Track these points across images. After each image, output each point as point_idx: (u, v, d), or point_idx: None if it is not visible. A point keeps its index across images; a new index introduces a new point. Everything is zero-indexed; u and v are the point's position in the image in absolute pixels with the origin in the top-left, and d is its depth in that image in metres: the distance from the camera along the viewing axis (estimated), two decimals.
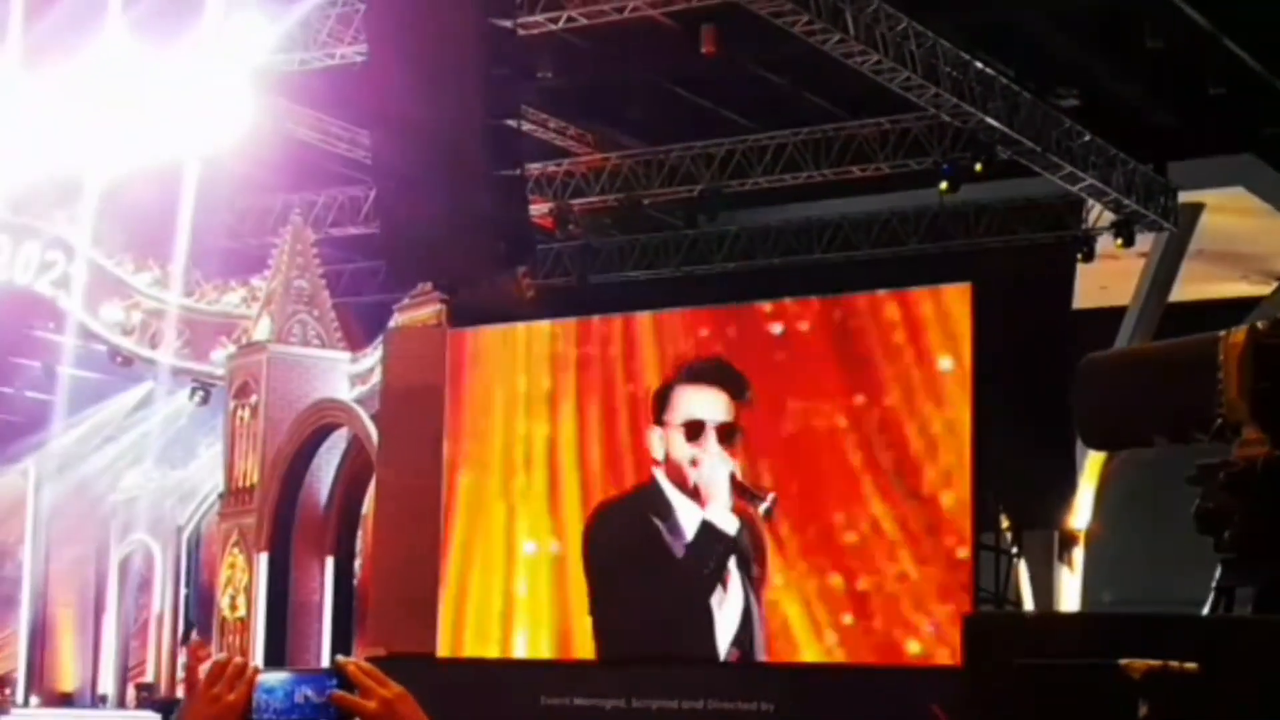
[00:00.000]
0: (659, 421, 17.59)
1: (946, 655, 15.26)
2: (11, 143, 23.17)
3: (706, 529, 17.31)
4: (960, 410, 16.39)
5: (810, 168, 22.34)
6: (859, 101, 21.08)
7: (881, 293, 17.19)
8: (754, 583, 17.16)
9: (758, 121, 22.62)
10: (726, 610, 17.30)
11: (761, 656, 17.15)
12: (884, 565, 16.53)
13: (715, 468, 17.27)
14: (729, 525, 17.31)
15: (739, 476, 17.15)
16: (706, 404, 17.49)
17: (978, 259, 21.81)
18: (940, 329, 16.68)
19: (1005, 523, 17.66)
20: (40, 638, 29.66)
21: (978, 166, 20.74)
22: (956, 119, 19.94)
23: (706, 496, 17.32)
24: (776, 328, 17.34)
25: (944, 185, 21.25)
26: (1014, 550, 18.22)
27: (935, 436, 16.44)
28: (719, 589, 17.27)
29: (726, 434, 17.31)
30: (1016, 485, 17.54)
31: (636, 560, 17.91)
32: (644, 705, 17.33)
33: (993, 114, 19.73)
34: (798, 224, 24.32)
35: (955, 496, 16.23)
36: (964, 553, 16.17)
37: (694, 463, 17.40)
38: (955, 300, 16.69)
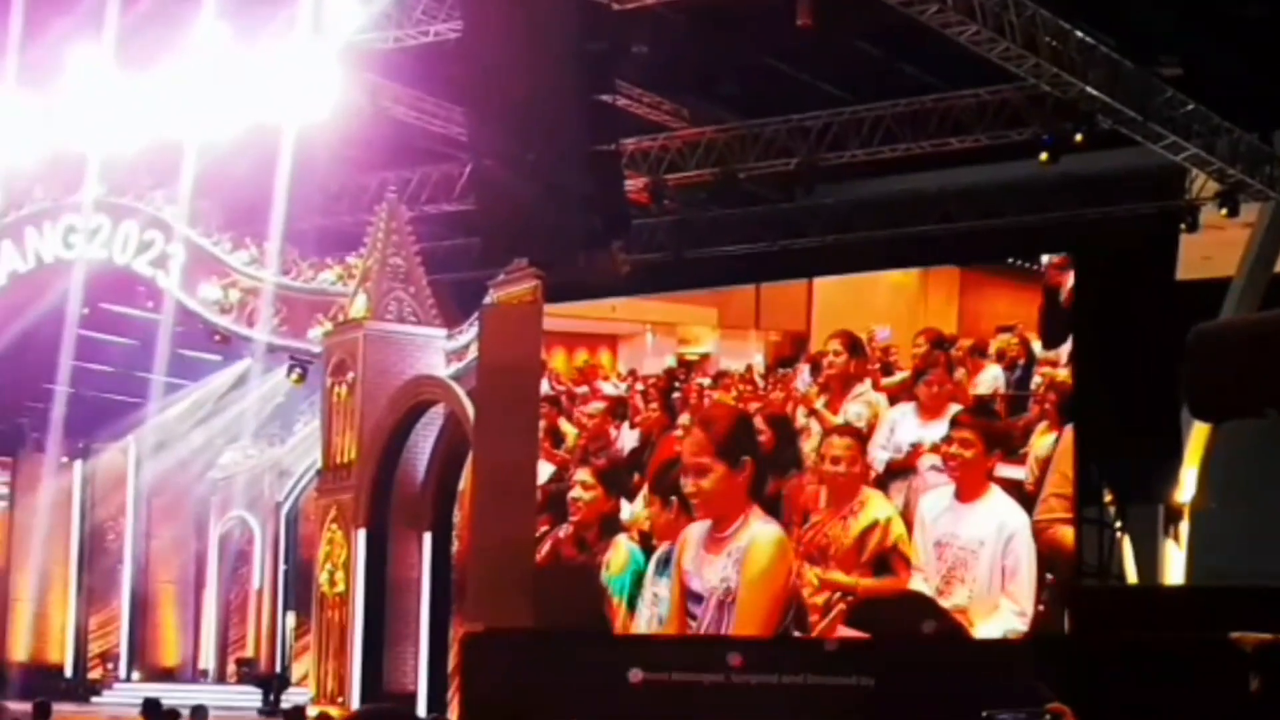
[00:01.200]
0: None
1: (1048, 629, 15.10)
2: (109, 124, 23.33)
3: None
4: (1062, 383, 16.23)
5: (908, 140, 22.09)
6: (957, 72, 20.82)
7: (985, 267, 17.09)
8: None
9: (854, 93, 22.39)
10: None
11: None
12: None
13: None
14: None
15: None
16: None
17: (1079, 230, 21.50)
18: (1041, 302, 16.55)
19: (1108, 496, 17.42)
20: (141, 614, 30.00)
21: (1078, 137, 20.43)
22: (1056, 89, 19.64)
23: None
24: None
25: (1044, 156, 20.93)
26: (1117, 524, 17.98)
27: (1037, 410, 16.30)
28: None
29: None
30: (1119, 459, 17.30)
31: None
32: (743, 681, 17.26)
33: (1093, 83, 19.42)
34: (895, 197, 24.01)
35: (1057, 470, 16.08)
36: (1066, 525, 16.03)
37: None
38: (1055, 273, 16.54)
